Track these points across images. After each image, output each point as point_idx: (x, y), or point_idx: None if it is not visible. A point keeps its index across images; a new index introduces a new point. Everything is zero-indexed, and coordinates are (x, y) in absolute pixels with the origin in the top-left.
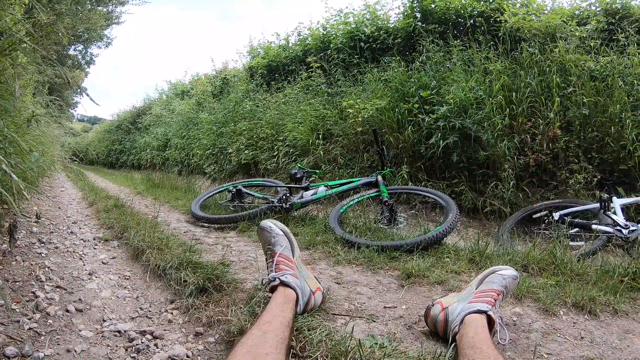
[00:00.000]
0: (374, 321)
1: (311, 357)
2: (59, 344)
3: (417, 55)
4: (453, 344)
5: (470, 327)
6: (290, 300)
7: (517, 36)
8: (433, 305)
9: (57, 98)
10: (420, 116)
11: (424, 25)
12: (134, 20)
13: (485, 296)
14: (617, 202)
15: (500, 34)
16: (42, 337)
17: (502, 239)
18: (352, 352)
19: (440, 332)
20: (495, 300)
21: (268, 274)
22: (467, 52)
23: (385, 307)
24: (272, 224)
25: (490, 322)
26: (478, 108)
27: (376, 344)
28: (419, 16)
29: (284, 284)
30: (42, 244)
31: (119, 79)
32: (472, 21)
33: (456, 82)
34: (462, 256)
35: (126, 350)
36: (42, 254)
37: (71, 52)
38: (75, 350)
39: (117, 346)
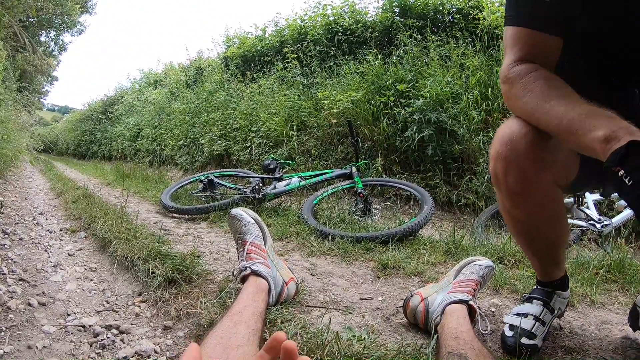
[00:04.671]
0: (350, 313)
1: None
2: (19, 340)
3: (395, 49)
4: (436, 336)
5: (452, 317)
6: (262, 290)
7: (495, 34)
8: (412, 296)
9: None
10: (395, 109)
11: (402, 19)
12: (107, 7)
13: (465, 286)
14: (590, 198)
15: (478, 31)
16: (2, 333)
17: (477, 232)
18: (330, 345)
19: (421, 324)
20: (474, 290)
21: (239, 264)
22: (445, 47)
23: (361, 299)
24: (243, 212)
25: (471, 312)
26: (454, 102)
27: (354, 336)
28: (397, 11)
29: (255, 273)
30: (6, 235)
31: (91, 67)
32: (450, 17)
33: (433, 77)
34: (438, 248)
35: (91, 346)
36: (6, 246)
37: (43, 38)
38: (36, 347)
39: (81, 342)
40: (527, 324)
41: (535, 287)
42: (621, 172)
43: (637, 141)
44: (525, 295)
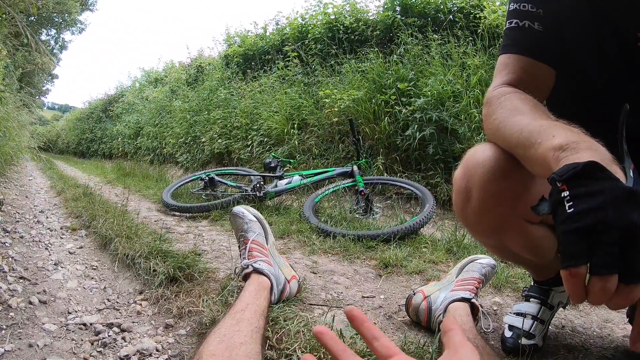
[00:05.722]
0: None
1: (289, 348)
2: (20, 339)
3: (396, 47)
4: (440, 333)
5: (455, 315)
6: (264, 288)
7: (496, 33)
8: (414, 294)
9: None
10: (397, 108)
11: (403, 18)
12: (108, 4)
13: (467, 284)
14: None
15: (479, 30)
16: (3, 331)
17: None
18: None
19: (424, 322)
20: (477, 289)
21: (241, 262)
22: (446, 46)
23: (363, 297)
24: (244, 210)
25: (473, 310)
26: (455, 101)
27: (357, 334)
28: (398, 9)
29: (257, 271)
30: (7, 233)
31: (91, 66)
32: (451, 16)
33: (434, 75)
34: (440, 246)
35: (92, 344)
36: (6, 244)
37: (43, 37)
38: (37, 345)
39: (82, 340)
40: (525, 324)
41: (532, 284)
42: (565, 194)
43: (599, 165)
44: (525, 290)
